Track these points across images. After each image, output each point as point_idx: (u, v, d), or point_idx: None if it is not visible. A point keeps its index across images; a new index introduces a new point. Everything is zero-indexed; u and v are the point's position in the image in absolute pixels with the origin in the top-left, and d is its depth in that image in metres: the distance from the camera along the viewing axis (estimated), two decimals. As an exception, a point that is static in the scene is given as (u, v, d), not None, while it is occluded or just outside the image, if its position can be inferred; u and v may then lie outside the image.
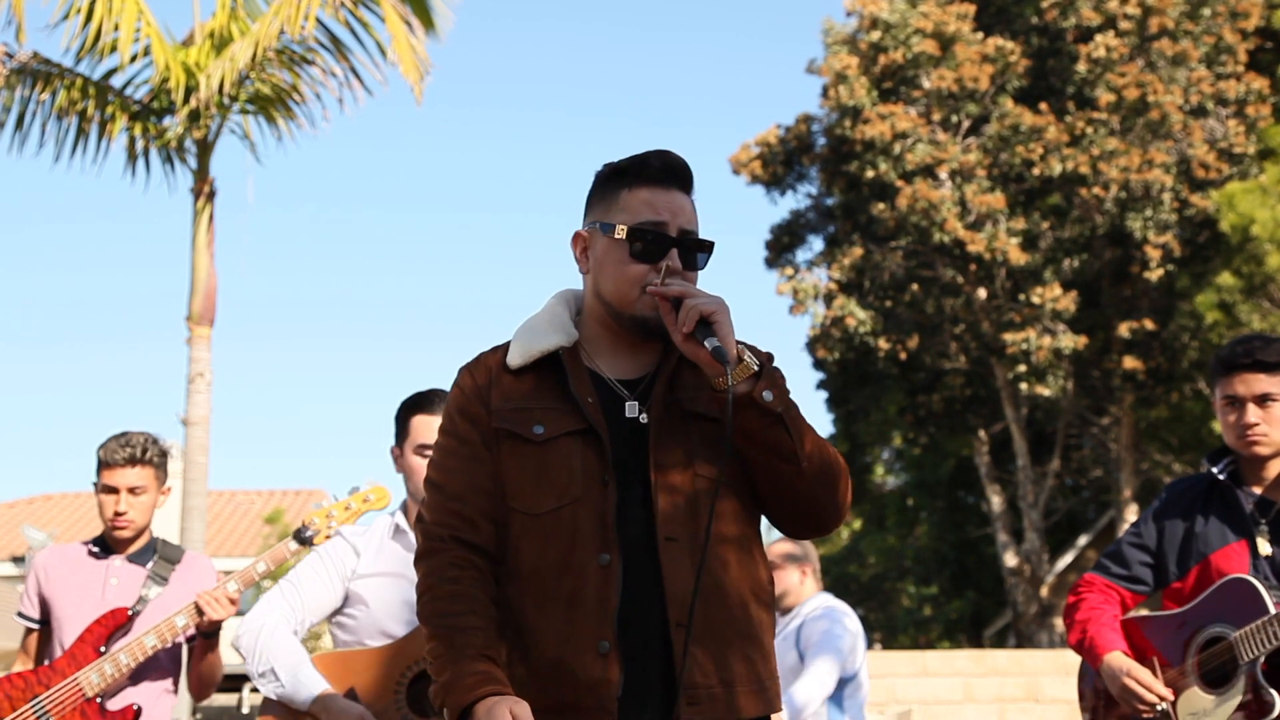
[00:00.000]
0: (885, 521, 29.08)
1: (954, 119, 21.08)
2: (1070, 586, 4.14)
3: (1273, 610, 3.34)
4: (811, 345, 21.99)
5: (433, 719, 3.61)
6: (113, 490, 4.26)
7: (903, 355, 21.35)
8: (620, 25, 50.39)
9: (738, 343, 2.35)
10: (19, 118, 10.78)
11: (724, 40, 49.53)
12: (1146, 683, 3.49)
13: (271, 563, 4.18)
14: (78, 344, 47.11)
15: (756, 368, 2.32)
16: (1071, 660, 9.99)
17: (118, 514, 4.26)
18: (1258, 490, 3.56)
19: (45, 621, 4.35)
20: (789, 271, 22.37)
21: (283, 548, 4.15)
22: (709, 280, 2.51)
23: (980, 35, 21.02)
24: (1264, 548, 3.48)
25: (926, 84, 20.83)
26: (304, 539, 4.13)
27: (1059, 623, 21.13)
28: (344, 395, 50.06)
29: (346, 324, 48.44)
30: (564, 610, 2.31)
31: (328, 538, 4.09)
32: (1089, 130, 20.01)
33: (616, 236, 2.41)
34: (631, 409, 2.40)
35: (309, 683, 3.64)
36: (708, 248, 2.47)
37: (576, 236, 2.51)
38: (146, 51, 10.85)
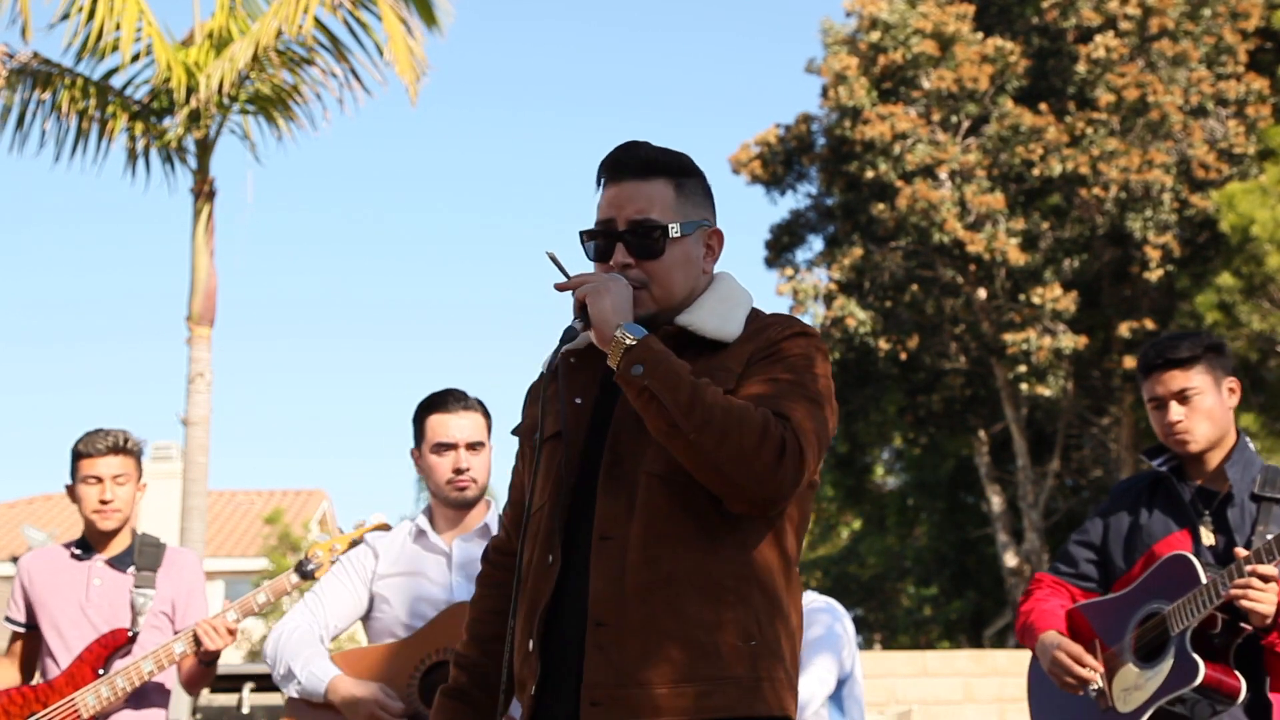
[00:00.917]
0: (885, 522, 29.08)
1: (954, 119, 21.09)
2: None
3: (1205, 581, 3.37)
4: (812, 345, 21.96)
5: None
6: (96, 480, 4.26)
7: (903, 355, 21.36)
8: (620, 25, 50.43)
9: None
10: (19, 118, 10.79)
11: (724, 40, 49.57)
12: (1076, 654, 3.53)
13: (272, 594, 4.19)
14: (78, 344, 47.14)
15: (630, 342, 2.32)
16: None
17: (104, 502, 4.25)
18: (1199, 482, 3.60)
19: (33, 625, 4.35)
20: (789, 271, 22.38)
21: (284, 579, 4.18)
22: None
23: (980, 35, 21.03)
24: (1206, 537, 3.53)
25: (926, 84, 20.83)
26: (305, 572, 4.15)
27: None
28: (344, 395, 50.09)
29: (346, 324, 48.48)
30: (523, 608, 2.44)
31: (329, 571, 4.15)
32: (1089, 130, 20.01)
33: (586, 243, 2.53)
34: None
35: (321, 673, 3.72)
36: (649, 231, 2.45)
37: None
38: (147, 51, 10.86)
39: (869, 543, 29.43)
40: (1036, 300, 20.00)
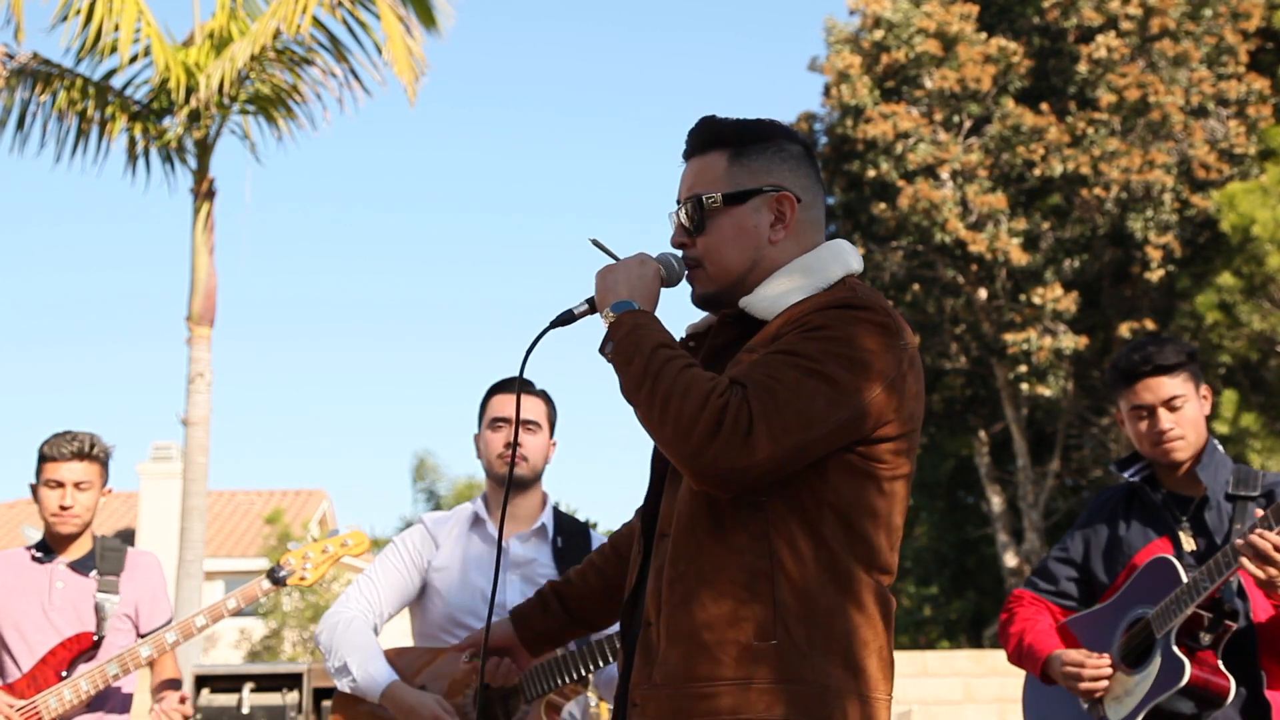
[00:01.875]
0: (885, 522, 29.04)
1: (956, 119, 21.08)
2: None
3: (1185, 581, 3.36)
4: (812, 345, 21.99)
5: None
6: (57, 485, 4.23)
7: (903, 355, 21.34)
8: (620, 25, 50.42)
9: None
10: (20, 118, 10.79)
11: (726, 39, 49.54)
12: (1078, 660, 3.51)
13: (243, 600, 4.18)
14: (78, 344, 47.14)
15: (610, 319, 2.29)
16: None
17: (62, 507, 4.22)
18: (1170, 489, 3.58)
19: None
20: (790, 271, 22.36)
21: (255, 586, 4.17)
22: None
23: (982, 35, 21.02)
24: (1187, 542, 3.50)
25: (928, 84, 20.82)
26: (278, 579, 4.15)
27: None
28: (344, 395, 50.08)
29: (346, 324, 48.48)
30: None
31: (302, 579, 4.13)
32: (1090, 131, 20.01)
33: None
34: None
35: (379, 675, 3.65)
36: (689, 204, 2.38)
37: None
38: (146, 52, 10.87)
39: (869, 543, 29.37)
40: (1037, 300, 19.99)
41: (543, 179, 49.36)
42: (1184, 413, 3.51)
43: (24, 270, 43.89)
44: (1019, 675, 3.82)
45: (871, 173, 20.61)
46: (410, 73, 10.83)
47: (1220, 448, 3.58)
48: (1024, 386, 20.52)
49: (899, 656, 14.31)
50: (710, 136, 2.40)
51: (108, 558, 4.31)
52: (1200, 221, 19.83)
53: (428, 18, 11.34)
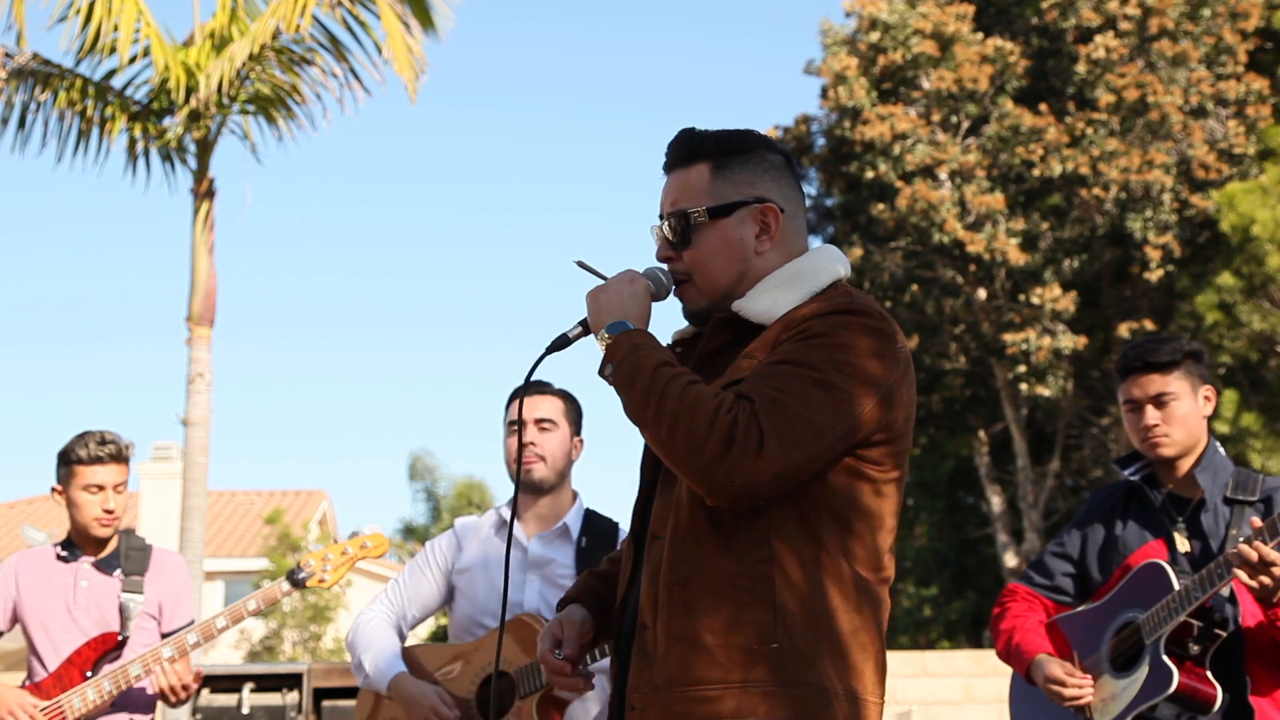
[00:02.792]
0: (885, 522, 29.03)
1: (953, 120, 21.08)
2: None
3: (1177, 589, 3.36)
4: (812, 345, 21.98)
5: None
6: (98, 488, 4.25)
7: (903, 355, 21.35)
8: (619, 25, 50.41)
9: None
10: (20, 118, 10.80)
11: (723, 40, 49.52)
12: (1060, 677, 3.53)
13: (263, 602, 4.21)
14: (78, 344, 47.12)
15: (607, 341, 2.29)
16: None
17: (107, 511, 4.25)
18: (1170, 488, 3.59)
19: (2, 631, 4.34)
20: (789, 272, 22.36)
21: (276, 588, 4.19)
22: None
23: (980, 36, 21.03)
24: (1182, 544, 3.52)
25: (926, 85, 20.83)
26: (297, 581, 4.18)
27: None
28: (344, 395, 50.05)
29: (346, 324, 48.45)
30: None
31: (321, 581, 4.17)
32: (1089, 131, 20.01)
33: None
34: None
35: (387, 668, 3.76)
36: (674, 219, 2.38)
37: None
38: (146, 52, 10.87)
39: (869, 543, 29.35)
40: (1036, 300, 19.99)
41: (541, 179, 49.38)
42: (1172, 410, 3.53)
43: (24, 270, 43.90)
44: (1011, 675, 3.84)
45: (869, 174, 20.61)
46: (410, 71, 10.83)
47: (1221, 450, 3.59)
48: (1023, 386, 20.53)
49: (899, 656, 14.33)
50: (692, 149, 2.41)
51: (133, 557, 4.33)
52: (1200, 221, 19.83)
53: (426, 19, 11.34)
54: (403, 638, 3.92)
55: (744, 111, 51.85)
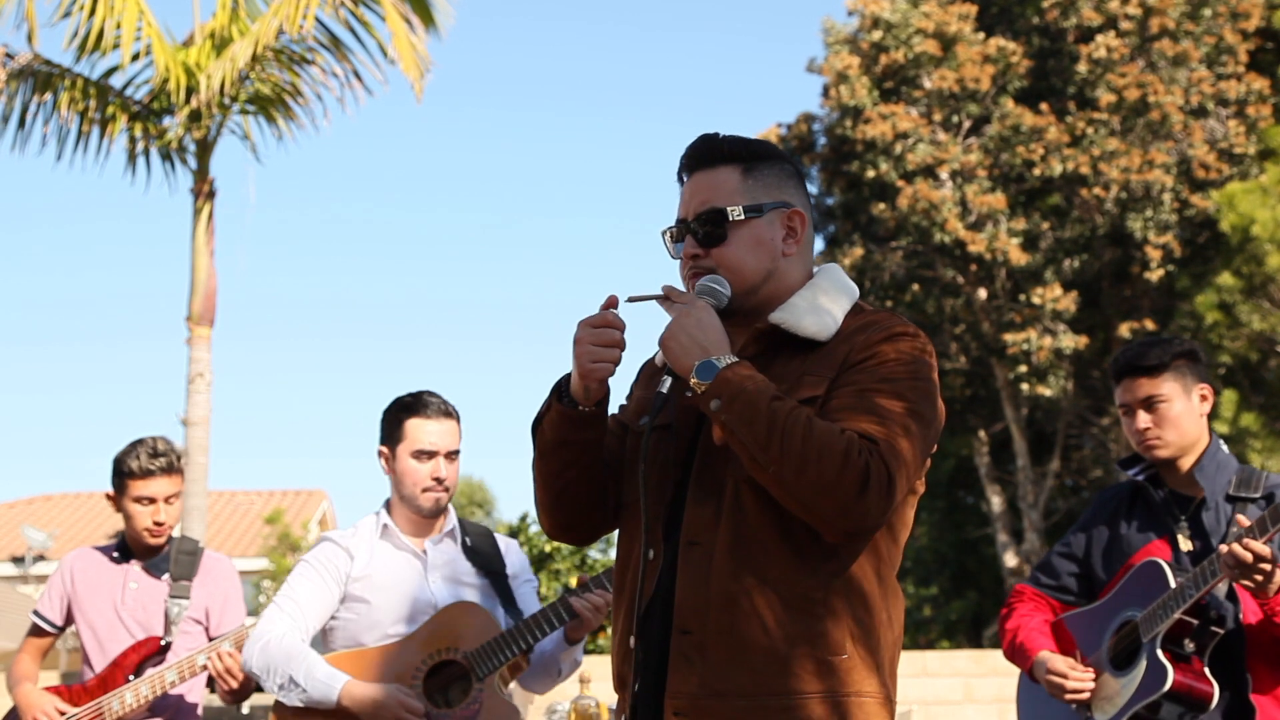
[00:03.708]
0: (885, 522, 29.03)
1: (955, 119, 21.08)
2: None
3: (1173, 586, 3.38)
4: (812, 345, 21.99)
5: (454, 709, 3.73)
6: (149, 500, 4.27)
7: (903, 355, 21.35)
8: (620, 25, 50.44)
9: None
10: (21, 118, 10.79)
11: (725, 40, 49.57)
12: (1062, 671, 3.55)
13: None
14: (78, 344, 47.14)
15: (705, 384, 2.25)
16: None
17: (157, 524, 4.29)
18: (1171, 487, 3.61)
19: (60, 628, 4.40)
20: (789, 271, 22.35)
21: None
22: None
23: (981, 35, 21.03)
24: (1184, 544, 3.53)
25: (928, 84, 20.83)
26: None
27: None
28: (344, 395, 50.10)
29: (347, 324, 48.48)
30: (621, 601, 2.40)
31: None
32: (1089, 131, 20.01)
33: None
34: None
35: (330, 680, 3.63)
36: (711, 218, 2.40)
37: None
38: (147, 51, 10.87)
39: (869, 543, 29.35)
40: (1037, 300, 20.00)
41: (543, 178, 49.40)
42: (1163, 413, 3.54)
43: (24, 270, 43.93)
44: (1018, 675, 3.85)
45: (871, 173, 20.61)
46: (416, 70, 10.82)
47: (1224, 448, 3.60)
48: (1024, 386, 20.53)
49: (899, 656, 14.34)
50: (720, 151, 2.44)
51: (181, 561, 4.36)
52: (1200, 221, 19.83)
53: (427, 17, 11.34)
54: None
55: (746, 110, 51.91)
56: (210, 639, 4.32)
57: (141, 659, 4.20)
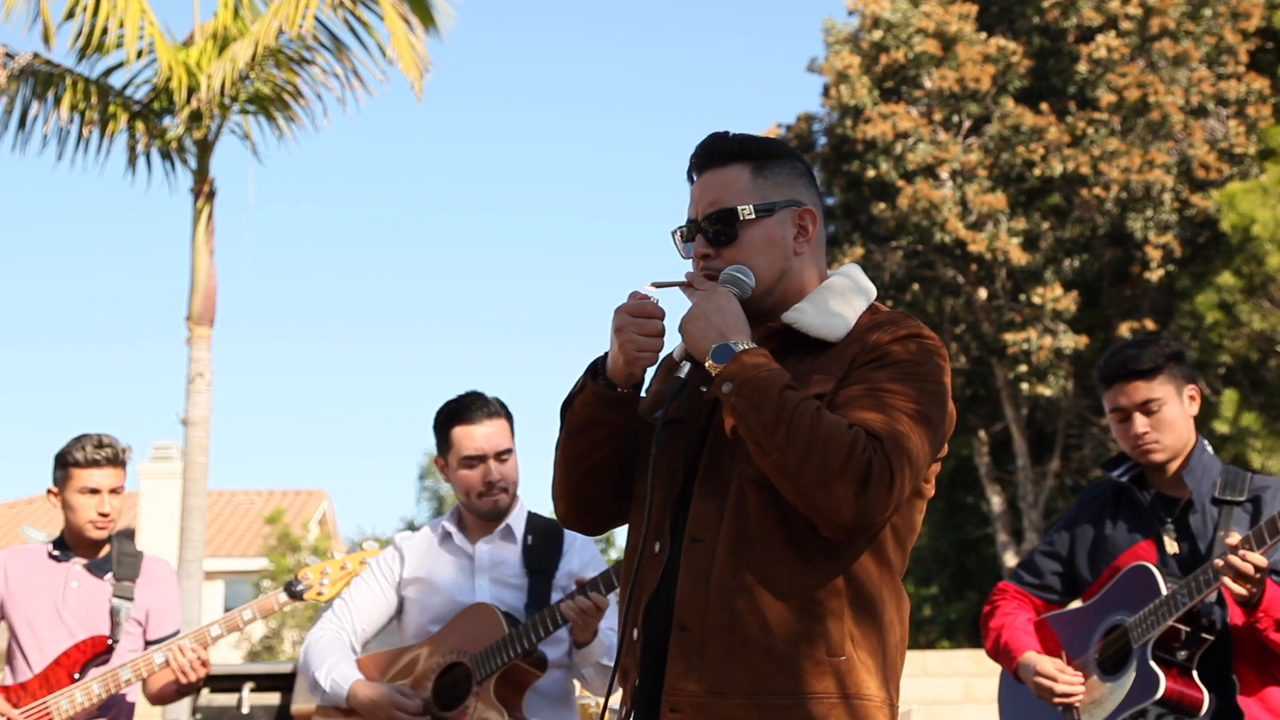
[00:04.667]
0: (885, 521, 29.01)
1: (955, 119, 21.08)
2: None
3: (1165, 593, 3.35)
4: (812, 345, 22.00)
5: (453, 711, 3.74)
6: (93, 491, 4.24)
7: (903, 355, 21.35)
8: (620, 25, 50.41)
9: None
10: (21, 118, 10.79)
11: (725, 39, 49.52)
12: (1052, 673, 3.53)
13: (259, 612, 4.19)
14: (78, 344, 47.12)
15: (719, 370, 2.26)
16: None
17: (103, 515, 4.25)
18: (1158, 489, 3.59)
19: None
20: (789, 271, 22.36)
21: (272, 598, 4.18)
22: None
23: (982, 35, 21.03)
24: (1170, 545, 3.52)
25: (928, 84, 20.83)
26: (294, 593, 4.16)
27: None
28: (345, 395, 50.06)
29: (347, 324, 48.46)
30: (626, 593, 2.39)
31: (319, 594, 4.16)
32: (1090, 130, 20.01)
33: None
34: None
35: (342, 679, 3.77)
36: (721, 218, 2.38)
37: None
38: (148, 51, 10.86)
39: (869, 542, 29.34)
40: (1037, 300, 20.00)
41: (544, 178, 49.37)
42: (1161, 416, 3.52)
43: (24, 270, 43.91)
44: (999, 673, 3.84)
45: (871, 173, 20.61)
46: (416, 69, 10.81)
47: (1209, 449, 3.58)
48: (1024, 386, 20.53)
49: (899, 656, 14.33)
50: (730, 150, 2.43)
51: (125, 562, 4.33)
52: (1200, 221, 19.83)
53: (427, 18, 11.33)
54: (355, 653, 3.93)
55: (746, 109, 51.90)
56: (147, 643, 4.29)
57: (88, 658, 4.15)
